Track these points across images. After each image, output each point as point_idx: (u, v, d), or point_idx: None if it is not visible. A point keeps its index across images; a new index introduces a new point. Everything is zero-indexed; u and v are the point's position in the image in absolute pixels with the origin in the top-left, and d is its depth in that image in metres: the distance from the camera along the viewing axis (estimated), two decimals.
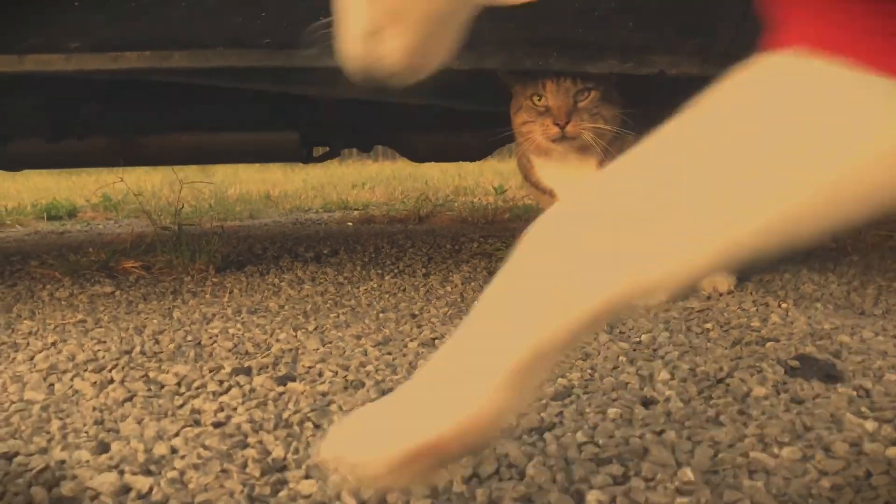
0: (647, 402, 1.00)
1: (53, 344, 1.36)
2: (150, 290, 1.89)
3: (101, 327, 1.49)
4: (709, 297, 1.64)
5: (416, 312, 1.54)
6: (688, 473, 0.78)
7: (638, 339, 1.29)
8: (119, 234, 3.22)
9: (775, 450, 0.85)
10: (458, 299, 1.68)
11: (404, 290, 1.79)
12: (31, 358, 1.26)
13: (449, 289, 1.79)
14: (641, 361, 1.17)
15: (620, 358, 1.19)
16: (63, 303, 1.78)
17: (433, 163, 3.78)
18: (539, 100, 1.50)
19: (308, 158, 2.68)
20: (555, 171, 1.60)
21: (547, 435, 0.89)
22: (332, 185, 5.53)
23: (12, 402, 1.06)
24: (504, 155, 6.69)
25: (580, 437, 0.88)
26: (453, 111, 2.27)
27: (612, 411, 0.96)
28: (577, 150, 1.53)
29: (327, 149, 2.67)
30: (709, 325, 1.38)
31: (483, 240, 2.63)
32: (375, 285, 1.85)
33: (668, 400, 1.01)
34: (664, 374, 1.10)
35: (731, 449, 0.85)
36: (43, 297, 1.86)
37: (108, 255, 2.22)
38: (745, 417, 0.94)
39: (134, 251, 2.30)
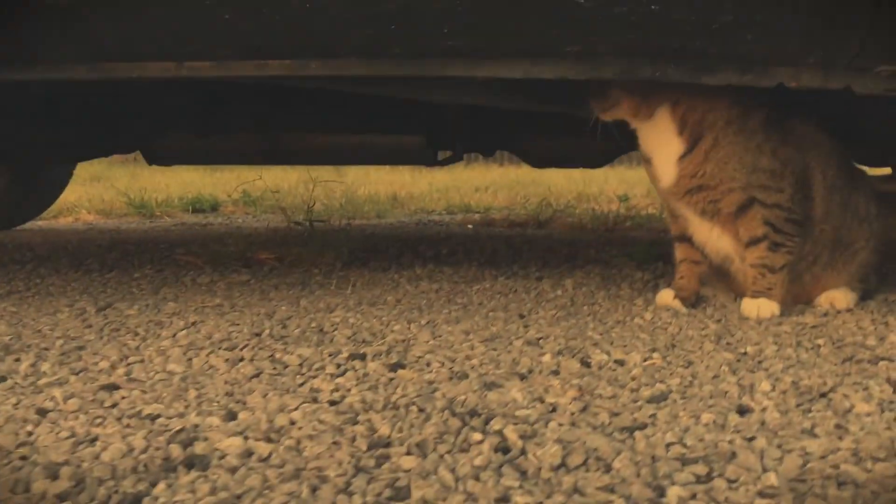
0: (742, 411, 1.02)
1: (193, 324, 1.50)
2: (282, 280, 2.03)
3: (236, 311, 1.63)
4: (825, 314, 1.60)
5: (525, 313, 1.60)
6: (772, 478, 0.80)
7: (744, 351, 1.30)
8: (256, 228, 3.44)
9: (868, 465, 0.85)
10: (568, 303, 1.72)
11: (515, 291, 1.85)
12: (174, 335, 1.41)
13: (560, 292, 1.83)
14: (744, 372, 1.18)
15: (723, 367, 1.20)
16: (203, 288, 1.94)
17: (556, 169, 3.81)
18: None
19: (433, 161, 2.78)
20: None
21: (637, 433, 0.92)
22: (456, 189, 5.64)
23: (156, 373, 1.19)
24: (633, 161, 6.62)
25: (669, 437, 0.91)
26: (575, 116, 2.31)
27: (705, 416, 0.98)
28: None
29: (451, 153, 2.76)
30: (820, 341, 1.36)
31: (601, 247, 2.65)
32: (488, 286, 1.91)
33: (764, 410, 1.02)
34: (765, 385, 1.11)
35: (822, 460, 0.86)
36: (186, 282, 2.03)
37: (245, 246, 2.40)
38: (841, 431, 0.94)
39: (269, 244, 2.47)
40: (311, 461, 0.86)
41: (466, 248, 2.64)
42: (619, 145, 2.36)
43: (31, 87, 2.19)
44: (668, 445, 0.89)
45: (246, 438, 0.92)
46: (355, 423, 0.96)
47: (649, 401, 1.05)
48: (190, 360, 1.25)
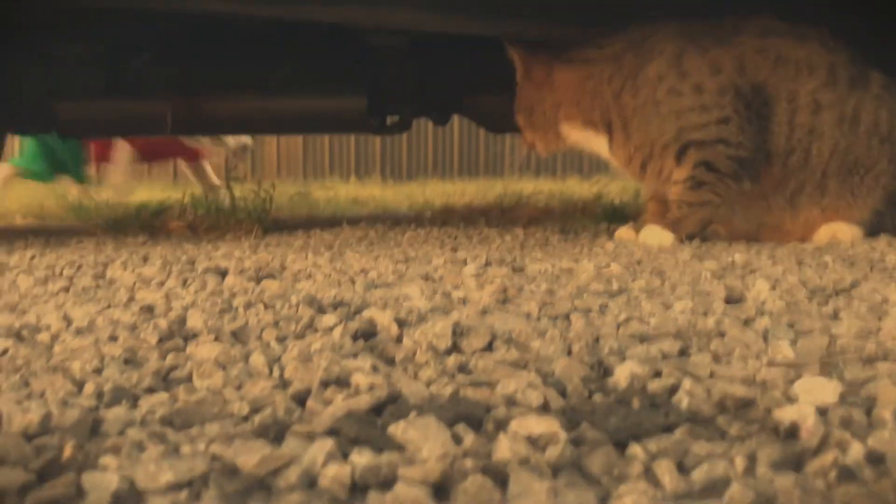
0: (733, 300, 0.71)
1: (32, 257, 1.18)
2: (180, 243, 1.71)
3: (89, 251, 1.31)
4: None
5: (458, 247, 1.29)
6: (784, 348, 0.49)
7: (731, 259, 1.00)
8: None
9: None
10: (517, 247, 1.41)
11: (455, 237, 1.54)
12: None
13: (508, 238, 1.53)
14: (733, 279, 0.88)
15: (704, 274, 0.90)
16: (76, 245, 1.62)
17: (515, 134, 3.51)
18: None
19: (379, 129, 2.47)
20: None
21: (574, 317, 0.61)
22: (422, 193, 5.34)
23: None
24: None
25: (623, 316, 0.60)
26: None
27: (680, 305, 0.67)
28: None
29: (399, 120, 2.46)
30: (827, 258, 1.06)
31: (565, 220, 2.35)
32: (423, 233, 1.61)
33: (763, 302, 0.71)
34: (762, 285, 0.80)
35: (858, 337, 0.56)
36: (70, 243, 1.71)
37: (153, 213, 2.08)
38: (874, 314, 0.64)
39: (183, 214, 2.16)
40: (59, 356, 0.54)
41: (414, 221, 2.33)
42: None
43: None
44: (621, 325, 0.58)
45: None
46: (161, 315, 0.65)
47: (600, 294, 0.74)
48: None
